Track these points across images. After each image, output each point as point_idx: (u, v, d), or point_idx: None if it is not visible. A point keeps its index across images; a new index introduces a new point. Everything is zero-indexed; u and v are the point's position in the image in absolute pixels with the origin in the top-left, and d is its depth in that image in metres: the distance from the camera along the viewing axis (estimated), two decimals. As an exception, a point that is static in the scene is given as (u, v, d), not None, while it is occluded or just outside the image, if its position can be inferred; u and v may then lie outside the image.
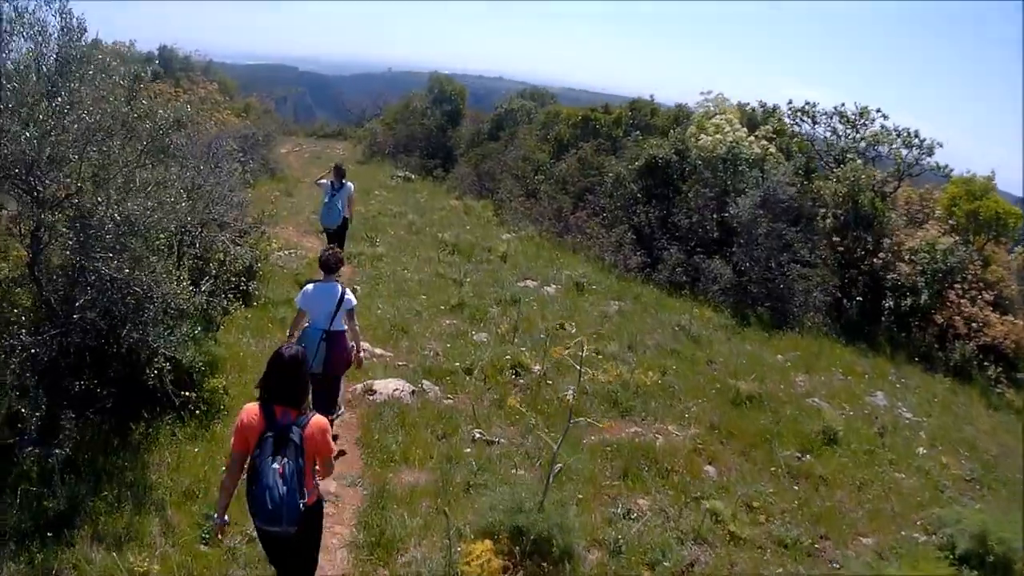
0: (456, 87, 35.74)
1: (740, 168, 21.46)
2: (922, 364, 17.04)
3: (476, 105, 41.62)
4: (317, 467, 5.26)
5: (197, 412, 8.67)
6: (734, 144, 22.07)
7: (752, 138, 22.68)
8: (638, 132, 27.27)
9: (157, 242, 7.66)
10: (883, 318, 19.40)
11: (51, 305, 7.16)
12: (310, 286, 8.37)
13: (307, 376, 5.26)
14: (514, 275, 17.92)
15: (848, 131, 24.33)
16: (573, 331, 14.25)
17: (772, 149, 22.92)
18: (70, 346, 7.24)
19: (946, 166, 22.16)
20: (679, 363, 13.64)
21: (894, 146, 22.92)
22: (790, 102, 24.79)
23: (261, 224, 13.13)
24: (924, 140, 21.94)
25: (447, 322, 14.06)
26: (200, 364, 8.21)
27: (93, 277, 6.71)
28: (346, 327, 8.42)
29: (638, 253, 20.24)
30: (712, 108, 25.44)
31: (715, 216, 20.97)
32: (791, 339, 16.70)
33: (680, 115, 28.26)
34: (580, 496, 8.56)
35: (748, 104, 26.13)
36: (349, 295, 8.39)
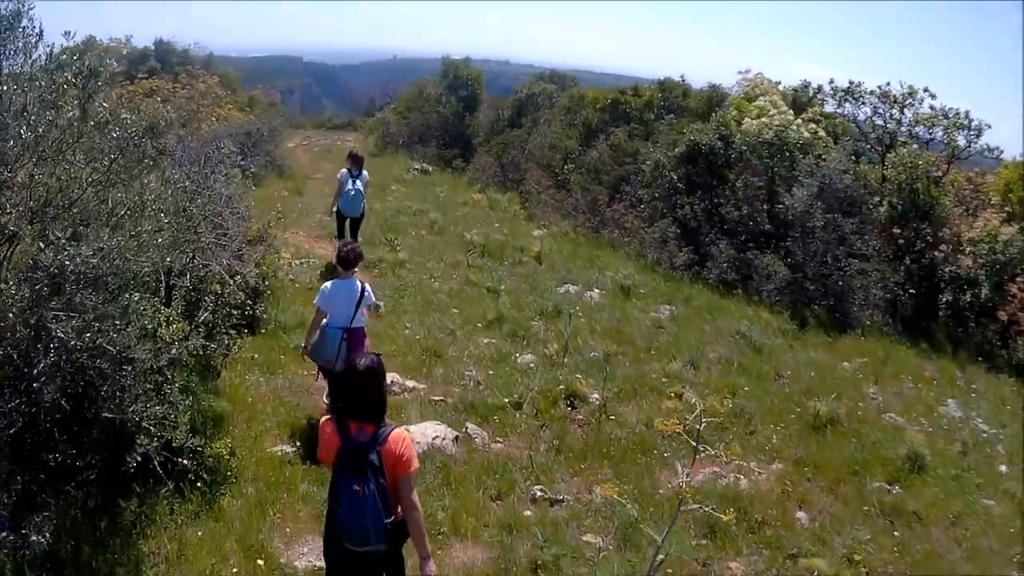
0: (472, 72, 33.69)
1: (791, 154, 19.78)
2: (985, 363, 15.78)
3: (488, 91, 39.73)
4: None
5: (199, 484, 7.07)
6: (781, 128, 20.35)
7: (799, 121, 20.94)
8: (672, 115, 25.56)
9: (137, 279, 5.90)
10: (940, 313, 18.19)
11: (13, 361, 5.50)
12: (328, 284, 8.31)
13: (385, 388, 5.00)
14: (552, 279, 16.32)
15: (895, 112, 22.81)
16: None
17: (821, 133, 21.19)
18: (40, 412, 5.58)
19: (996, 148, 20.60)
20: (748, 380, 12.23)
21: (945, 128, 21.41)
22: (831, 81, 23.26)
23: (266, 237, 11.38)
24: (973, 121, 20.49)
25: (485, 341, 12.43)
26: (195, 443, 6.48)
27: (49, 339, 5.00)
28: (365, 322, 8.45)
29: (684, 249, 18.52)
30: (751, 90, 23.65)
31: (765, 207, 19.33)
32: (854, 341, 15.59)
33: (714, 96, 26.46)
34: (669, 572, 7.06)
35: (781, 84, 24.46)
36: (369, 291, 8.42)
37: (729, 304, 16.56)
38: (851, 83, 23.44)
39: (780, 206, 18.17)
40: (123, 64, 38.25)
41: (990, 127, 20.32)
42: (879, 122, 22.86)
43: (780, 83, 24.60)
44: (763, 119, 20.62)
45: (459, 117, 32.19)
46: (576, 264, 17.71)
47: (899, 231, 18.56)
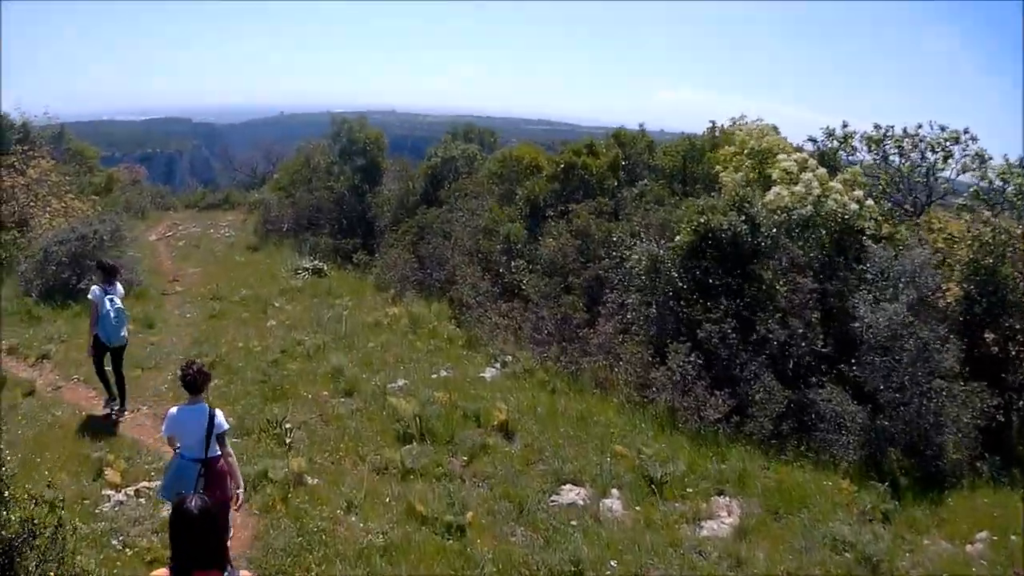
0: (370, 133, 27.34)
1: (844, 238, 14.37)
2: None
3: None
4: None
5: None
6: (822, 198, 14.90)
7: (837, 186, 15.58)
8: (643, 182, 20.13)
9: None
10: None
11: None
12: (174, 409, 7.78)
13: (224, 528, 5.32)
14: (540, 478, 10.67)
15: (937, 161, 18.19)
16: None
17: (869, 202, 15.83)
18: None
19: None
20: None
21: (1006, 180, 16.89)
22: (845, 125, 18.57)
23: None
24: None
25: None
26: None
27: None
28: (219, 453, 7.68)
29: (717, 393, 12.65)
30: (754, 143, 18.10)
31: (817, 317, 13.76)
32: (960, 503, 11.34)
33: (691, 150, 20.99)
34: None
35: (789, 135, 19.53)
36: (220, 416, 7.74)
37: (801, 479, 11.34)
38: (876, 126, 18.63)
39: (857, 325, 12.49)
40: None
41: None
42: (917, 177, 18.21)
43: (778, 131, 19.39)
44: (796, 187, 15.06)
45: (357, 192, 25.68)
46: (566, 437, 11.89)
47: (991, 335, 14.25)
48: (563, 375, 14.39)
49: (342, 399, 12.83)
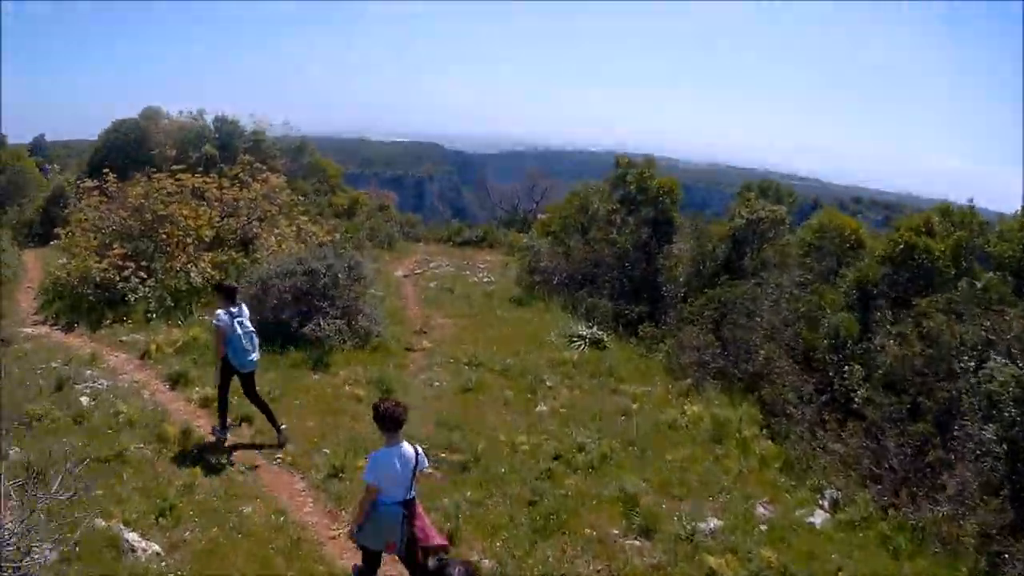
0: (663, 181, 24.07)
1: None
2: None
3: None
4: None
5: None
6: None
7: None
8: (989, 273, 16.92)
9: None
10: None
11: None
12: (376, 453, 7.67)
13: None
14: None
15: None
16: None
17: None
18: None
19: None
20: None
21: None
22: None
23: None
24: None
25: None
26: None
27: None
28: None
29: None
30: None
31: None
32: None
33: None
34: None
35: None
36: (421, 453, 7.81)
37: None
38: None
39: None
40: (173, 144, 31.34)
41: None
42: None
43: None
44: None
45: (643, 250, 22.57)
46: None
47: None
48: (906, 528, 11.18)
49: (636, 541, 10.33)
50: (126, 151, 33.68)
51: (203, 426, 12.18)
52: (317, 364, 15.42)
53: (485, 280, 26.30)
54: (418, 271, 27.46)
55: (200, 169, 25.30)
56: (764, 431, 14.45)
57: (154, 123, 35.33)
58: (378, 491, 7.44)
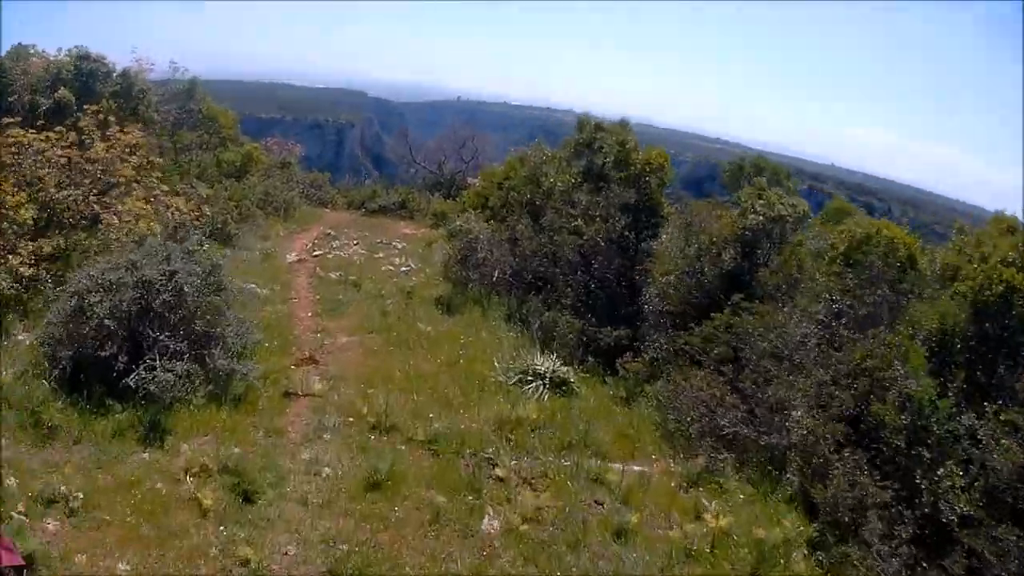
0: (651, 154, 18.28)
1: None
2: None
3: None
4: None
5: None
6: None
7: None
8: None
9: None
10: None
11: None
12: None
13: None
14: None
15: None
16: None
17: None
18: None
19: None
20: None
21: None
22: None
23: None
24: None
25: None
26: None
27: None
28: None
29: None
30: None
31: None
32: None
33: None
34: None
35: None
36: None
37: None
38: None
39: None
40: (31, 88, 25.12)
41: None
42: None
43: None
44: None
45: (618, 246, 17.01)
46: None
47: None
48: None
49: None
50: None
51: None
52: (151, 432, 10.07)
53: (403, 268, 20.93)
54: (317, 252, 22.17)
55: (45, 121, 19.08)
56: (818, 554, 9.61)
57: (23, 64, 28.82)
58: None
